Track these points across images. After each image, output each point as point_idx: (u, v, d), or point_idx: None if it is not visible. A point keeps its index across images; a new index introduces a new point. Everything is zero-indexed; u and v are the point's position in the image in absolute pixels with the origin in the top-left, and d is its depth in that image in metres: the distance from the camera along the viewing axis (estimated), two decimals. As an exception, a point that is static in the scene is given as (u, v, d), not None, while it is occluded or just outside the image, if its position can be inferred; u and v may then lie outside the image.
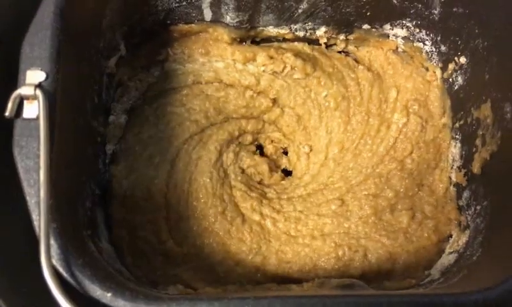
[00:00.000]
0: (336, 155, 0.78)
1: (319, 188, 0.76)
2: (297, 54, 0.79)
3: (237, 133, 0.79)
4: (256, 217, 0.73)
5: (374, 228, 0.71)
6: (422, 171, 0.75)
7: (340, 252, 0.69)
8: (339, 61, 0.82)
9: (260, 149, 0.84)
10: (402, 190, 0.74)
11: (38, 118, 0.50)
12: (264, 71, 0.79)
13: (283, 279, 0.68)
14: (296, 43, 0.82)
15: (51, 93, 0.52)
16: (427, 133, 0.77)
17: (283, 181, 0.80)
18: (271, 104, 0.80)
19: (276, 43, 0.82)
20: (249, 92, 0.79)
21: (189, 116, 0.76)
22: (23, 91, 0.51)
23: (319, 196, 0.75)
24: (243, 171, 0.78)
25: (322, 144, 0.80)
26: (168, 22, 0.77)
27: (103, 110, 0.72)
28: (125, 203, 0.70)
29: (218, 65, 0.79)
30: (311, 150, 0.81)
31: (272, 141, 0.84)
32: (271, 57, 0.78)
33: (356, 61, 0.83)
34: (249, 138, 0.81)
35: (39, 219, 0.48)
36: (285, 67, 0.79)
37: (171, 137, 0.74)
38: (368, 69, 0.82)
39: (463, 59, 0.72)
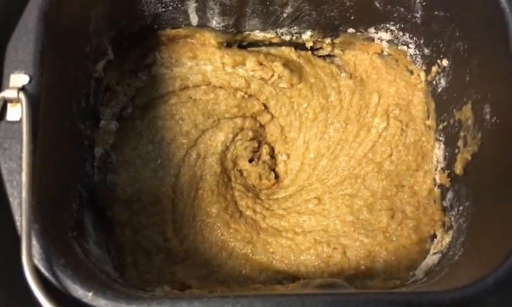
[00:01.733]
0: (311, 160, 0.82)
1: (297, 189, 0.80)
2: (286, 64, 0.81)
3: (234, 132, 0.80)
4: (250, 213, 0.77)
5: (352, 227, 0.73)
6: (401, 173, 0.77)
7: (319, 249, 0.72)
8: (322, 70, 0.84)
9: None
10: (379, 190, 0.76)
11: (21, 121, 0.51)
12: (252, 76, 0.81)
13: (267, 270, 0.71)
14: (283, 48, 0.83)
15: (34, 96, 0.53)
16: (408, 136, 0.79)
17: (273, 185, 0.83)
18: (262, 108, 0.82)
19: (264, 48, 0.83)
20: (240, 93, 0.80)
21: (180, 129, 0.77)
22: (6, 94, 0.52)
23: (297, 196, 0.79)
24: (242, 174, 0.81)
25: (298, 152, 0.83)
26: (155, 26, 0.78)
27: (91, 113, 0.73)
28: (131, 206, 0.73)
29: (206, 68, 0.80)
30: (288, 158, 0.84)
31: (265, 143, 0.85)
32: (260, 64, 0.80)
33: (340, 67, 0.85)
34: (250, 134, 0.82)
35: (21, 220, 0.48)
36: (272, 75, 0.81)
37: (168, 154, 0.76)
38: (351, 76, 0.84)
39: (445, 62, 0.73)
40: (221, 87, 0.80)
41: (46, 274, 0.49)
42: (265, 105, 0.82)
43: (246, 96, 0.81)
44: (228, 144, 0.79)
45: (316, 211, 0.76)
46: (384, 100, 0.81)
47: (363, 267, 0.70)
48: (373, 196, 0.76)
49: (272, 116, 0.83)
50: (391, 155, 0.78)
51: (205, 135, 0.78)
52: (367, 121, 0.81)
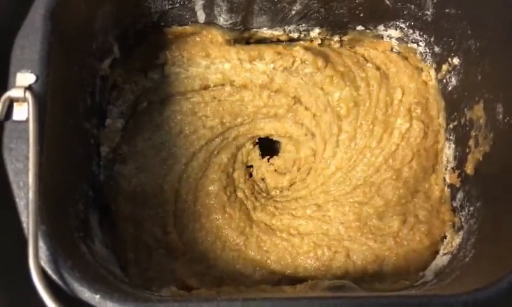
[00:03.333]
0: (326, 176, 0.78)
1: (294, 198, 0.78)
2: (307, 48, 0.79)
3: (254, 134, 0.81)
4: (246, 202, 0.77)
5: (358, 232, 0.72)
6: (419, 179, 0.75)
7: (319, 252, 0.71)
8: (349, 59, 0.80)
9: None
10: (394, 199, 0.74)
11: (27, 120, 0.51)
12: (274, 68, 0.79)
13: (262, 269, 0.71)
14: (301, 42, 0.81)
15: (41, 96, 0.52)
16: (428, 139, 0.76)
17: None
18: (292, 102, 0.80)
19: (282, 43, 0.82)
20: (266, 92, 0.79)
21: (203, 124, 0.78)
22: (13, 93, 0.51)
23: (292, 202, 0.78)
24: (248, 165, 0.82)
25: (318, 166, 0.79)
26: (162, 24, 0.77)
27: (97, 112, 0.72)
28: (134, 198, 0.72)
29: (225, 67, 0.79)
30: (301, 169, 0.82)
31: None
32: (279, 53, 0.78)
33: (365, 58, 0.82)
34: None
35: (27, 221, 0.48)
36: (294, 61, 0.78)
37: (185, 144, 0.77)
38: (377, 67, 0.80)
39: (456, 60, 0.72)
40: (244, 87, 0.79)
41: (53, 276, 0.48)
42: (297, 99, 0.80)
43: (273, 93, 0.79)
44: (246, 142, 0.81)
45: (315, 216, 0.74)
46: (406, 96, 0.77)
47: (370, 271, 0.69)
48: (386, 205, 0.73)
49: (306, 108, 0.80)
50: (411, 160, 0.75)
51: (232, 131, 0.79)
52: (391, 120, 0.77)
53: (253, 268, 0.71)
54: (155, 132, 0.76)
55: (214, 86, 0.79)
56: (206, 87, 0.79)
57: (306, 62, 0.78)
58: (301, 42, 0.81)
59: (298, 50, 0.77)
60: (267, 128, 0.81)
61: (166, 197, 0.74)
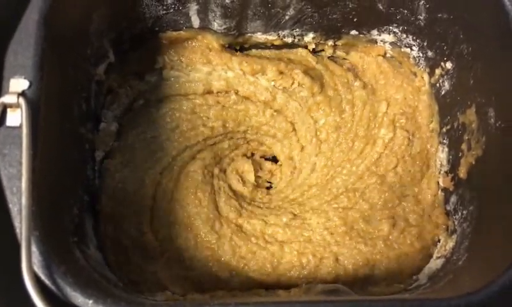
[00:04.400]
0: (302, 192, 0.78)
1: (266, 206, 0.78)
2: (306, 72, 0.80)
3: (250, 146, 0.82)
4: (220, 194, 0.76)
5: (347, 236, 0.72)
6: (405, 184, 0.75)
7: (304, 260, 0.70)
8: (339, 79, 0.82)
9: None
10: (380, 202, 0.74)
11: (21, 126, 0.51)
12: (274, 86, 0.80)
13: (240, 276, 0.70)
14: (299, 50, 0.82)
15: (34, 101, 0.52)
16: (414, 146, 0.77)
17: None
18: (290, 129, 0.82)
19: (283, 51, 0.83)
20: (269, 110, 0.81)
21: (204, 123, 0.78)
22: (6, 99, 0.51)
23: (265, 210, 0.76)
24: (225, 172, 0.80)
25: (294, 181, 0.80)
26: (157, 29, 0.77)
27: (92, 116, 0.73)
28: (114, 196, 0.72)
29: (228, 74, 0.80)
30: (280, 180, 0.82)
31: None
32: (281, 73, 0.79)
33: (352, 71, 0.83)
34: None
35: (21, 226, 0.48)
36: (293, 83, 0.80)
37: (179, 138, 0.77)
38: (364, 85, 0.81)
39: (449, 64, 0.72)
40: (249, 100, 0.80)
41: (46, 281, 0.48)
42: (292, 125, 0.82)
43: (275, 113, 0.81)
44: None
45: (292, 225, 0.73)
46: (391, 108, 0.79)
47: (361, 275, 0.68)
48: (372, 208, 0.73)
49: (298, 140, 0.82)
50: (396, 166, 0.76)
51: (236, 134, 0.81)
52: (373, 133, 0.79)
53: (229, 272, 0.69)
54: (149, 126, 0.77)
55: (218, 92, 0.80)
56: (209, 92, 0.80)
57: (303, 86, 0.80)
58: (300, 50, 0.83)
59: (298, 74, 0.79)
60: (266, 146, 0.83)
61: (145, 192, 0.72)
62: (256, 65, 0.79)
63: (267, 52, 0.83)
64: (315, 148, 0.80)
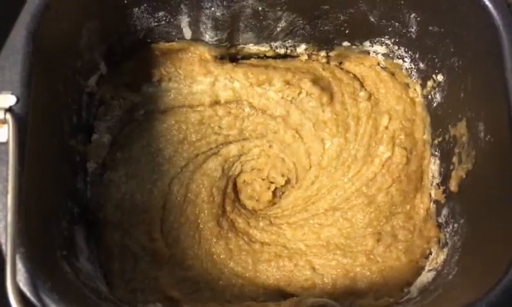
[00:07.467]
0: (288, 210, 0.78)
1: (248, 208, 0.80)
2: (315, 81, 0.79)
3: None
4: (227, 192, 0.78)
5: (323, 249, 0.72)
6: (395, 203, 0.74)
7: (281, 263, 0.72)
8: (346, 88, 0.80)
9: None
10: (364, 221, 0.73)
11: (7, 142, 0.51)
12: (282, 97, 0.79)
13: (224, 269, 0.72)
14: (305, 56, 0.82)
15: (22, 117, 0.52)
16: (410, 165, 0.75)
17: None
18: (305, 155, 0.80)
19: (291, 61, 0.82)
20: (291, 131, 0.80)
21: (216, 132, 0.78)
22: (-8, 115, 0.51)
23: (247, 212, 0.78)
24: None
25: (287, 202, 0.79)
26: (149, 40, 0.77)
27: (83, 128, 0.73)
28: (123, 205, 0.72)
29: (234, 85, 0.79)
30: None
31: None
32: (287, 83, 0.78)
33: (360, 82, 0.82)
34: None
35: (6, 244, 0.48)
36: (300, 92, 0.79)
37: (188, 150, 0.77)
38: (369, 96, 0.80)
39: (440, 77, 0.72)
40: (263, 112, 0.80)
41: (31, 298, 0.49)
42: (307, 150, 0.80)
43: (297, 135, 0.80)
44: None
45: (268, 230, 0.75)
46: (392, 122, 0.77)
47: (341, 285, 0.68)
48: (352, 227, 0.73)
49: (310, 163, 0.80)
50: (390, 186, 0.74)
51: (257, 141, 0.80)
52: (372, 152, 0.77)
53: (218, 270, 0.72)
54: (153, 139, 0.77)
55: (226, 102, 0.79)
56: (217, 103, 0.79)
57: (312, 95, 0.79)
58: (301, 58, 0.82)
59: (306, 83, 0.78)
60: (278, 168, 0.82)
61: (154, 203, 0.73)
62: (262, 75, 0.78)
63: (271, 61, 0.82)
64: (314, 173, 0.79)
